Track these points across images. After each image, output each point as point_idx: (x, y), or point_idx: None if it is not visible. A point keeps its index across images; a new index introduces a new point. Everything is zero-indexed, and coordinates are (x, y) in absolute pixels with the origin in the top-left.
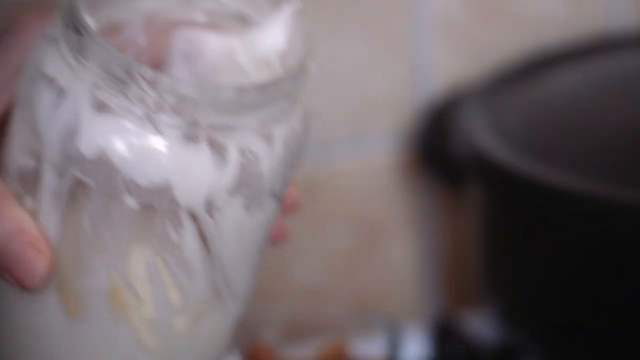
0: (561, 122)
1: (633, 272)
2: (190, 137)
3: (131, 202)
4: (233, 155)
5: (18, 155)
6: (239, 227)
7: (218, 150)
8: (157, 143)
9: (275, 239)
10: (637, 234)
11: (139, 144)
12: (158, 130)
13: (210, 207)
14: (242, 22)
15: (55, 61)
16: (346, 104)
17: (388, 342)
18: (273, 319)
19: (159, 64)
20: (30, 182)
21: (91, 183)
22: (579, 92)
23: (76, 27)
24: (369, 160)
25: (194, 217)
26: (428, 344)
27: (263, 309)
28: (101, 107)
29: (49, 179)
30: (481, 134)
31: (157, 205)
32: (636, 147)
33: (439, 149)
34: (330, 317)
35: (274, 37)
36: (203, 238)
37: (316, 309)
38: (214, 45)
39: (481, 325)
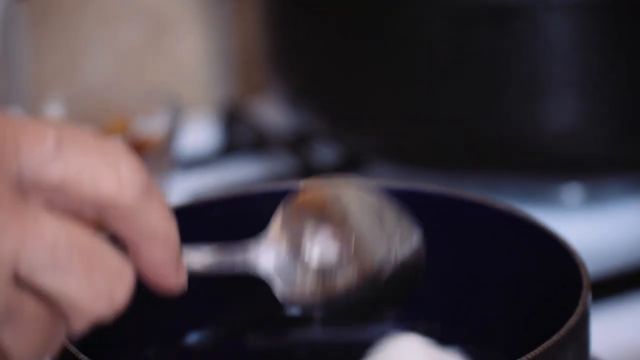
0: None
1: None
2: None
3: None
4: None
5: None
6: None
7: None
8: None
9: None
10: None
11: None
12: None
13: None
14: None
15: None
16: None
17: (170, 118)
18: (58, 101)
19: None
20: None
21: None
22: None
23: None
24: None
25: None
26: (216, 130)
27: (48, 93)
28: None
29: None
30: None
31: None
32: None
33: None
34: (118, 103)
35: None
36: None
37: (104, 96)
38: None
39: (272, 113)
